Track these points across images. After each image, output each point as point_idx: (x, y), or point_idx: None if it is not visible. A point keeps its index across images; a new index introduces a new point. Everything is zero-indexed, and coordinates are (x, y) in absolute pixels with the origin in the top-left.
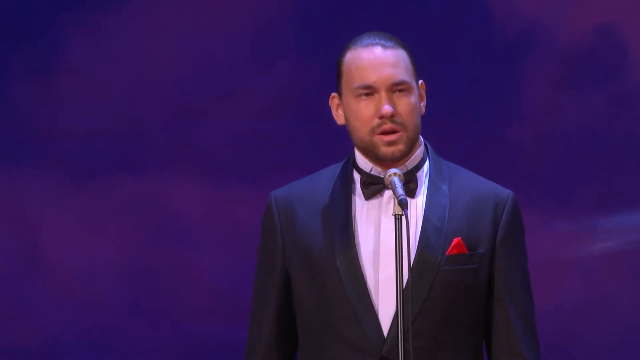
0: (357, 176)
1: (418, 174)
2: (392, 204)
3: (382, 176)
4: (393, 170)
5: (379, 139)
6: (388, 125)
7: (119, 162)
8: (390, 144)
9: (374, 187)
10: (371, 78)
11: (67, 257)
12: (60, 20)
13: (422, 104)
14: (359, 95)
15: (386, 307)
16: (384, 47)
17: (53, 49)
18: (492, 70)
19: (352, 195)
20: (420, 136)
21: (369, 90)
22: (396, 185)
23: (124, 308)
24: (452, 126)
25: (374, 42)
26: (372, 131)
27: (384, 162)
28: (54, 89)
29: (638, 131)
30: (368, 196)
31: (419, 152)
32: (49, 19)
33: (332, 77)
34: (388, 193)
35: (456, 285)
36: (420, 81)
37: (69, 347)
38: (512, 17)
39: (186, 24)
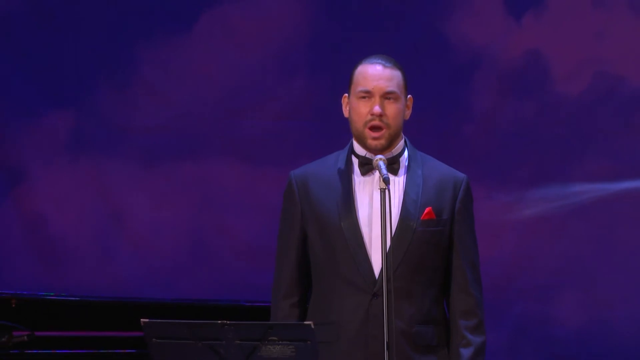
0: (355, 159)
1: (400, 159)
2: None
3: (373, 159)
4: (379, 156)
5: (368, 132)
6: (376, 122)
7: (179, 152)
8: (375, 138)
9: (367, 166)
10: (370, 85)
11: (140, 221)
12: (136, 45)
13: (407, 112)
14: (360, 97)
15: (377, 256)
16: (384, 66)
17: (130, 66)
18: (451, 83)
19: (352, 174)
20: (402, 133)
21: (367, 95)
22: (381, 167)
23: (180, 258)
24: (422, 125)
25: (377, 61)
26: (365, 124)
27: (373, 150)
28: (130, 96)
29: (558, 128)
30: (363, 173)
31: (401, 144)
32: (128, 43)
33: (336, 89)
34: (378, 172)
35: (427, 241)
36: (409, 96)
37: (139, 285)
38: (464, 45)
39: (229, 48)
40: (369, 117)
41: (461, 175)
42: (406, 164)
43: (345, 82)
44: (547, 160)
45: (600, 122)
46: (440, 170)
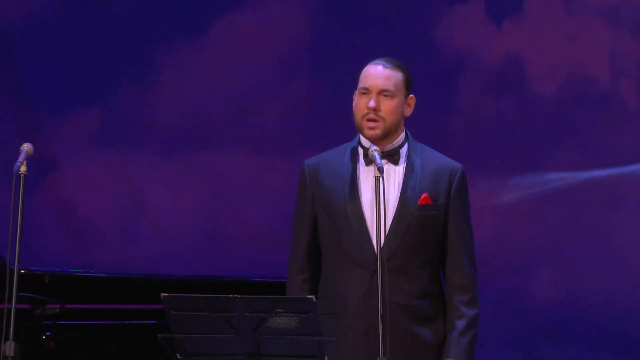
0: (360, 150)
1: (401, 151)
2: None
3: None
4: (374, 147)
5: (365, 124)
6: (371, 115)
7: (195, 144)
8: (370, 128)
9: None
10: (368, 83)
11: (160, 206)
12: (156, 49)
13: (407, 109)
14: (361, 93)
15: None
16: (384, 66)
17: (151, 68)
18: (439, 83)
19: (357, 163)
20: (404, 127)
21: (366, 91)
22: (376, 157)
23: (196, 239)
24: (416, 121)
25: (379, 62)
26: (362, 117)
27: (370, 140)
28: (151, 95)
29: (534, 123)
30: (367, 163)
31: (402, 136)
32: (149, 48)
33: (335, 89)
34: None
35: (424, 224)
36: (410, 95)
37: (158, 262)
38: (451, 48)
39: (239, 51)
40: (366, 110)
41: (457, 165)
42: (406, 155)
43: (343, 84)
44: (525, 152)
45: (572, 118)
46: (437, 160)
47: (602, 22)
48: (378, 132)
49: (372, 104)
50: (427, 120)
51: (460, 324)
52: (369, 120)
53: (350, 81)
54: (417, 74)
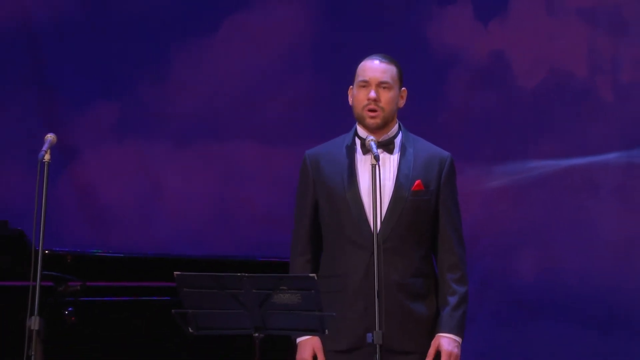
0: (357, 140)
1: (395, 141)
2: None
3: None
4: (370, 137)
5: (366, 113)
6: (372, 106)
7: (206, 134)
8: (372, 117)
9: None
10: (367, 76)
11: (174, 191)
12: (171, 46)
13: (401, 101)
14: (360, 86)
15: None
16: (381, 61)
17: (166, 64)
18: (430, 78)
19: (355, 153)
20: (397, 118)
21: (365, 84)
22: (372, 147)
23: (207, 221)
24: (409, 113)
25: (376, 57)
26: (363, 108)
27: (370, 129)
28: (166, 88)
29: (517, 115)
30: (364, 152)
31: (396, 127)
32: (164, 45)
33: (335, 84)
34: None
35: (417, 209)
36: (403, 88)
37: (172, 243)
38: (441, 47)
39: (247, 49)
40: (366, 101)
41: (446, 154)
42: (400, 144)
43: (343, 79)
44: (509, 141)
45: (552, 110)
46: (428, 149)
47: (579, 22)
48: (378, 120)
49: (372, 94)
50: (419, 112)
51: (452, 300)
52: (370, 110)
53: (348, 77)
54: (410, 69)
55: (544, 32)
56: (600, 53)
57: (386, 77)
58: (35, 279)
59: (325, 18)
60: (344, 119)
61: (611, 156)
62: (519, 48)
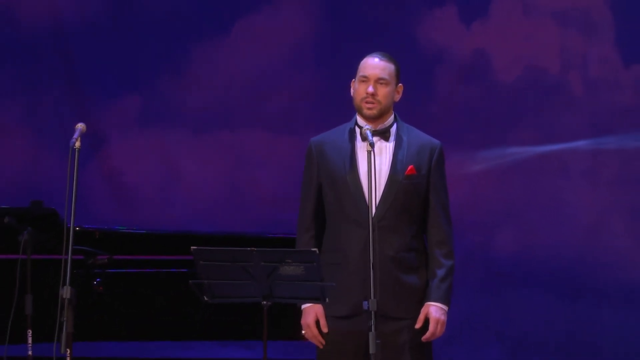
0: (357, 129)
1: (391, 130)
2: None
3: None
4: (366, 126)
5: (364, 105)
6: (369, 99)
7: (220, 124)
8: (369, 108)
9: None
10: (367, 72)
11: (191, 175)
12: (188, 44)
13: (397, 95)
14: (361, 81)
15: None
16: (380, 59)
17: (184, 60)
18: (420, 73)
19: (355, 140)
20: (393, 110)
21: (365, 79)
22: (368, 135)
23: (220, 201)
24: (402, 105)
25: (376, 55)
26: (362, 100)
27: (368, 119)
28: (184, 82)
29: (497, 106)
30: (363, 140)
31: (392, 118)
32: (182, 43)
33: (335, 79)
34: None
35: (410, 191)
36: (399, 84)
37: (189, 221)
38: (430, 45)
39: (256, 47)
40: (365, 95)
41: (436, 142)
42: (395, 133)
43: (341, 74)
44: (490, 130)
45: (528, 102)
46: (420, 137)
47: (553, 24)
48: (375, 111)
49: (370, 89)
50: (411, 104)
51: (440, 272)
52: (367, 102)
53: (348, 72)
54: (401, 65)
55: (521, 33)
56: (571, 51)
57: (384, 74)
58: (67, 253)
59: (326, 20)
60: (342, 110)
61: (581, 143)
62: (498, 46)
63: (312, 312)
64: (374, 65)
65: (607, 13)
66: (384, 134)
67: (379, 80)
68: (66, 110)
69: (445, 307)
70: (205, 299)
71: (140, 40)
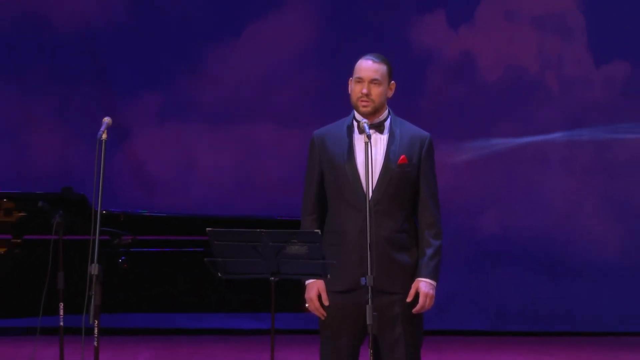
0: (355, 123)
1: (385, 123)
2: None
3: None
4: (364, 120)
5: (360, 103)
6: (364, 98)
7: (233, 117)
8: (364, 106)
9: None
10: (361, 74)
11: (207, 163)
12: (204, 46)
13: (390, 92)
14: (356, 81)
15: (369, 187)
16: (373, 61)
17: (201, 60)
18: (411, 73)
19: (353, 133)
20: (387, 105)
21: (360, 80)
22: (365, 128)
23: (233, 187)
24: (395, 101)
25: (370, 57)
26: (357, 99)
27: (363, 115)
28: (200, 80)
29: (481, 102)
30: (360, 132)
31: (386, 112)
32: (198, 44)
33: (336, 77)
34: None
35: (402, 178)
36: (392, 82)
37: (205, 205)
38: (421, 47)
39: (265, 48)
40: (360, 94)
41: (426, 134)
42: (389, 126)
43: (341, 73)
44: (475, 123)
45: (509, 98)
46: (412, 130)
47: (532, 28)
48: (369, 109)
49: (364, 90)
50: (403, 100)
51: (429, 251)
52: (362, 101)
53: (347, 71)
54: (394, 65)
55: (503, 36)
56: (548, 52)
57: (377, 75)
58: (95, 234)
59: (327, 24)
60: (341, 106)
61: (557, 135)
62: (483, 48)
63: (314, 287)
64: (368, 67)
65: (580, 19)
66: (378, 127)
67: (372, 81)
68: (94, 105)
69: (433, 283)
70: (219, 275)
71: (161, 43)
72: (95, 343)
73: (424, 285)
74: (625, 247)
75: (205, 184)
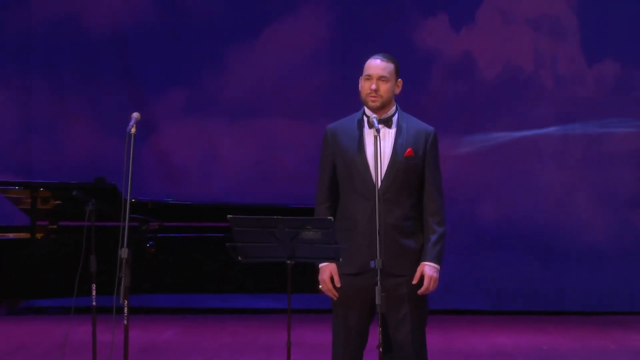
0: (364, 118)
1: (393, 118)
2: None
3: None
4: (373, 115)
5: (369, 98)
6: (373, 94)
7: (251, 112)
8: (373, 101)
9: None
10: (370, 71)
11: (227, 155)
12: (225, 47)
13: (397, 89)
14: (365, 79)
15: (377, 178)
16: (382, 60)
17: (221, 60)
18: (415, 71)
19: (363, 127)
20: (395, 101)
21: (369, 77)
22: (374, 123)
23: (251, 177)
24: (402, 98)
25: (378, 56)
26: (367, 95)
27: (372, 110)
28: (222, 78)
29: (481, 98)
30: (369, 127)
31: (393, 108)
32: (219, 46)
33: (345, 77)
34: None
35: (409, 169)
36: (399, 80)
37: (226, 194)
38: (424, 47)
39: (281, 49)
40: (369, 91)
41: (430, 128)
42: (396, 121)
43: (352, 72)
44: (475, 118)
45: (506, 95)
46: (418, 124)
47: (528, 29)
48: (377, 104)
49: (373, 87)
50: (408, 97)
51: (433, 237)
52: (371, 96)
53: (356, 70)
54: (400, 64)
55: (501, 37)
56: (543, 52)
57: (385, 73)
58: (125, 220)
59: (338, 27)
60: (352, 102)
61: (551, 129)
62: (482, 48)
63: (327, 270)
64: (376, 65)
65: (573, 20)
66: (387, 122)
67: (380, 78)
68: (124, 101)
69: (437, 266)
70: (240, 259)
71: (186, 43)
72: (125, 321)
73: (429, 269)
74: (613, 232)
75: (226, 174)
